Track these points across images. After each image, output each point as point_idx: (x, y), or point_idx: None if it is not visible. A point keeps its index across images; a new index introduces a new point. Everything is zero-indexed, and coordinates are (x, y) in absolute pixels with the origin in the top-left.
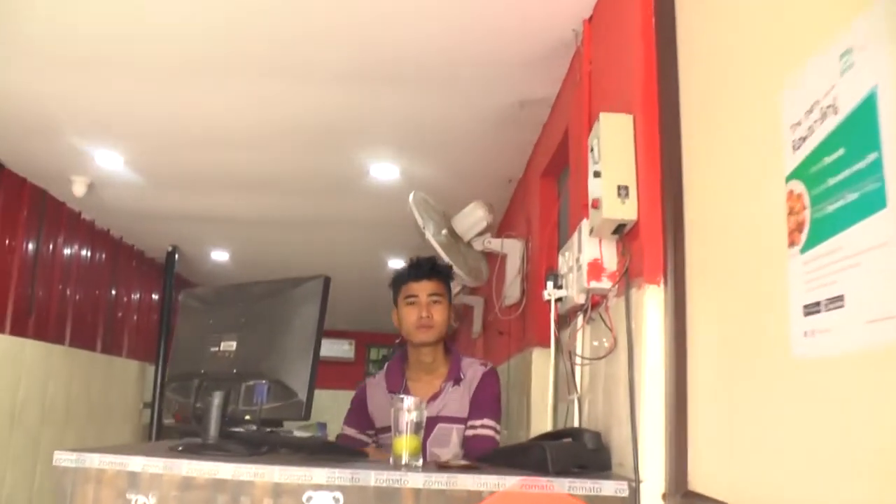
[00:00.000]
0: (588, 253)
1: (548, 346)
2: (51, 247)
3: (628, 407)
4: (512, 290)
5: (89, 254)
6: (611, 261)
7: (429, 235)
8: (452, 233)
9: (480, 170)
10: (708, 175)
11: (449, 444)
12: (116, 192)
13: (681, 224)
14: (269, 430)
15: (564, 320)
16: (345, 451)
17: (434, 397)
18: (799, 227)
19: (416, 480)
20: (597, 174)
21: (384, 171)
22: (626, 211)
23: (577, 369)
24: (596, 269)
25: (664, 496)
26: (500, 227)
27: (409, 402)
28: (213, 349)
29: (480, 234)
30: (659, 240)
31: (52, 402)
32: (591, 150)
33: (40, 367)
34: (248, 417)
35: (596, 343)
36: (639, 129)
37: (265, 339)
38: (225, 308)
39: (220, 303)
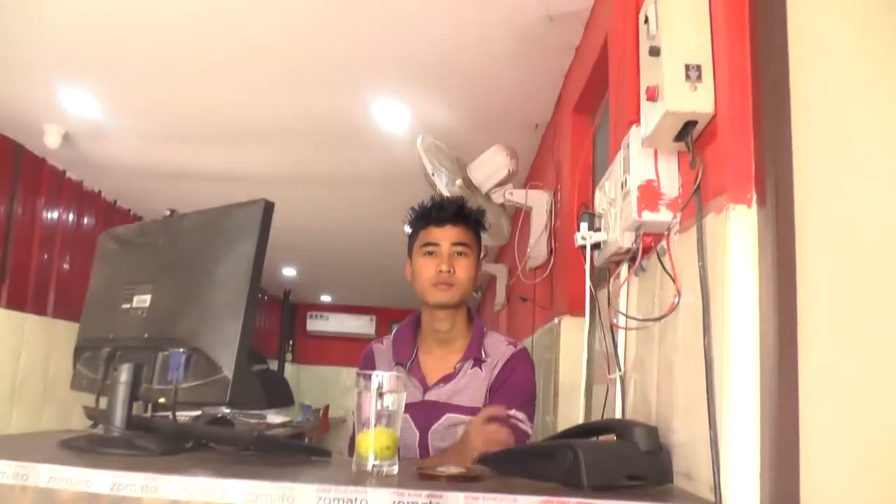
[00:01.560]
0: (639, 173)
1: (580, 313)
2: (28, 208)
3: (701, 390)
4: (537, 249)
5: (76, 218)
6: (671, 184)
7: (440, 186)
8: (468, 183)
9: (502, 109)
10: (832, 29)
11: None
12: (97, 145)
13: (785, 111)
14: (220, 415)
15: (603, 276)
16: (301, 450)
17: (446, 379)
18: None
19: (380, 498)
20: (654, 51)
21: (391, 115)
22: (699, 100)
23: (621, 339)
24: (650, 194)
25: None
26: (526, 182)
27: (379, 379)
28: (125, 306)
29: (501, 184)
30: (748, 139)
31: (24, 376)
32: (646, 21)
33: (8, 338)
34: (162, 400)
35: (647, 303)
36: None
37: (182, 290)
38: (144, 251)
39: (141, 244)
